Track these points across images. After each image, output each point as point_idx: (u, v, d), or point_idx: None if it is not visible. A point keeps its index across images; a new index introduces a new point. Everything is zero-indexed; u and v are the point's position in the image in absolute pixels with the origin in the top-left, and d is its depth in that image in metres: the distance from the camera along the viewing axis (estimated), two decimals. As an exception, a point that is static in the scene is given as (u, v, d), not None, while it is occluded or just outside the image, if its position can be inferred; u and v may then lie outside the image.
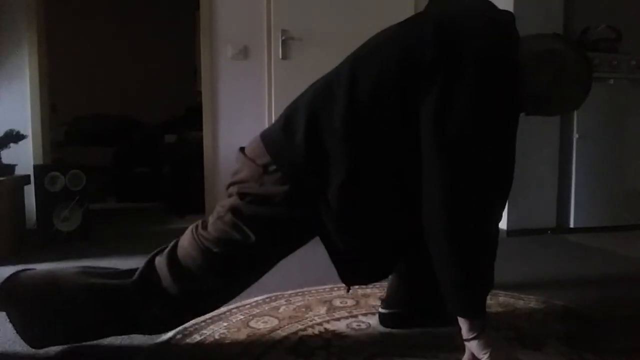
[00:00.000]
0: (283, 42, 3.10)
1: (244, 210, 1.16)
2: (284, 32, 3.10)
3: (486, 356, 1.08)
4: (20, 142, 2.64)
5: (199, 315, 1.31)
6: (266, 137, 1.22)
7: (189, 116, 4.39)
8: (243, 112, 3.16)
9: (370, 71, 1.14)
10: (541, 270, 2.08)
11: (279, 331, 1.39)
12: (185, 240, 1.21)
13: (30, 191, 2.67)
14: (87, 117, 4.90)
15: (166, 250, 1.22)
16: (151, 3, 5.40)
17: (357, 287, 1.71)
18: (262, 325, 1.43)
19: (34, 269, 1.33)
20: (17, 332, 1.22)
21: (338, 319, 1.48)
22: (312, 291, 1.72)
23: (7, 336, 1.35)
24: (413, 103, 1.08)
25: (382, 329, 1.42)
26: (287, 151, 1.15)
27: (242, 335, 1.36)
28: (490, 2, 1.22)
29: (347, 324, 1.45)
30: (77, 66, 5.13)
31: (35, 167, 2.69)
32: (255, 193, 1.16)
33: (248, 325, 1.42)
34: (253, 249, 1.16)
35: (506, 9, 1.29)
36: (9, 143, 2.58)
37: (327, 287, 1.76)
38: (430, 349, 1.27)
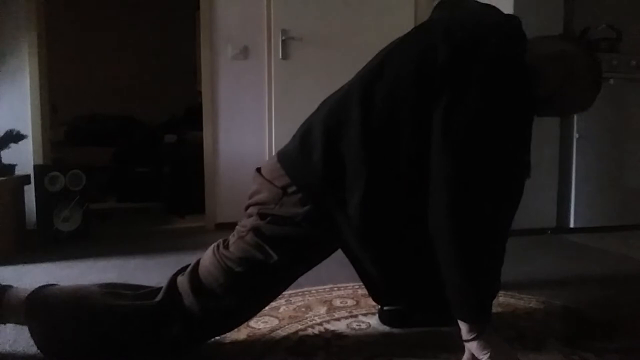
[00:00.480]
0: (283, 42, 3.10)
1: (265, 231, 1.18)
2: (284, 32, 3.10)
3: (486, 356, 1.08)
4: (20, 142, 2.64)
5: (220, 334, 1.30)
6: (283, 157, 1.23)
7: (189, 116, 4.39)
8: (243, 112, 3.16)
9: (382, 82, 1.15)
10: (541, 270, 2.08)
11: (279, 331, 1.39)
12: (207, 260, 1.22)
13: (30, 191, 2.68)
14: (87, 117, 4.90)
15: (188, 270, 1.23)
16: (151, 3, 5.40)
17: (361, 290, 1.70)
18: (262, 325, 1.43)
19: (57, 285, 1.31)
20: (37, 347, 1.19)
21: (338, 319, 1.48)
22: (312, 291, 1.72)
23: (7, 336, 1.35)
24: (427, 108, 1.09)
25: (382, 328, 1.42)
26: (306, 171, 1.16)
27: (242, 335, 1.36)
28: (496, 7, 1.23)
29: (347, 324, 1.45)
30: (77, 66, 5.13)
31: (35, 167, 2.69)
32: (276, 214, 1.18)
33: (248, 325, 1.42)
34: (275, 268, 1.18)
35: (506, 8, 1.29)
36: (9, 143, 2.58)
37: (327, 287, 1.76)
38: (430, 349, 1.27)
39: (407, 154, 1.12)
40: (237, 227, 1.26)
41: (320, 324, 1.45)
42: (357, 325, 1.45)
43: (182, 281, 1.21)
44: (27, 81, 2.90)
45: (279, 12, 3.10)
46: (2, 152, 2.56)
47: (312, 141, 1.18)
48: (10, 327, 1.39)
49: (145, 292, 1.23)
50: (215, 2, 3.10)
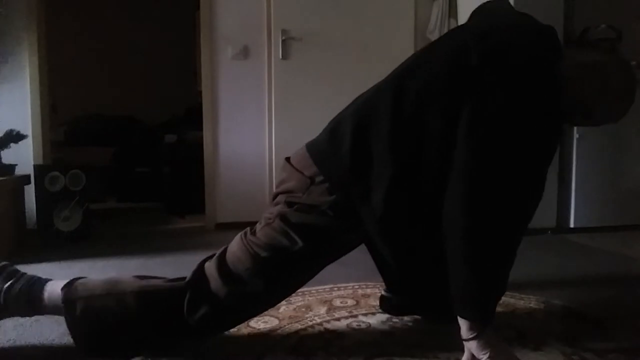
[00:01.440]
0: (283, 42, 3.10)
1: (291, 218, 1.21)
2: (284, 32, 3.10)
3: (486, 356, 1.08)
4: (21, 142, 2.64)
5: (243, 320, 1.33)
6: (312, 148, 1.27)
7: (189, 116, 4.39)
8: (243, 112, 3.16)
9: (415, 80, 1.17)
10: (541, 270, 2.08)
11: (279, 331, 1.39)
12: (234, 246, 1.26)
13: (30, 191, 2.68)
14: (87, 117, 4.90)
15: (215, 255, 1.27)
16: (151, 3, 5.40)
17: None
18: (262, 325, 1.43)
19: (87, 277, 1.34)
20: (72, 337, 1.23)
21: (338, 319, 1.48)
22: (312, 291, 1.72)
23: (8, 336, 1.35)
24: (455, 109, 1.10)
25: (382, 328, 1.42)
26: (334, 162, 1.20)
27: (242, 335, 1.36)
28: (531, 16, 1.23)
29: (347, 324, 1.45)
30: (77, 66, 5.13)
31: (36, 167, 2.69)
32: (303, 202, 1.21)
33: (248, 325, 1.42)
34: (299, 255, 1.20)
35: (506, 9, 1.29)
36: (9, 143, 2.59)
37: (327, 287, 1.76)
38: (430, 349, 1.27)
39: (434, 153, 1.13)
40: (264, 214, 1.29)
41: (320, 324, 1.45)
42: (357, 325, 1.45)
43: (210, 266, 1.25)
44: (27, 81, 2.90)
45: (279, 12, 3.10)
46: (2, 152, 2.56)
47: (341, 133, 1.21)
48: (10, 326, 1.40)
49: (174, 279, 1.28)
50: (215, 2, 3.10)
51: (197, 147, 3.26)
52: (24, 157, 2.78)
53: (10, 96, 2.89)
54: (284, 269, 1.22)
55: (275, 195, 1.30)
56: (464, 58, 1.11)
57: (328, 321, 1.47)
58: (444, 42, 1.24)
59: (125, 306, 1.21)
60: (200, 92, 3.26)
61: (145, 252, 2.43)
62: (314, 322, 1.46)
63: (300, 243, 1.19)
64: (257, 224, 1.28)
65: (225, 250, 1.27)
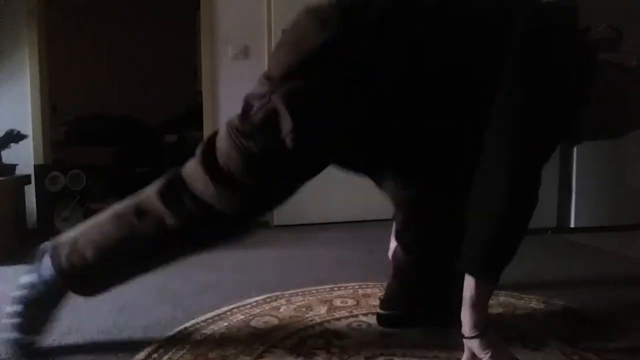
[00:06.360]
0: (283, 42, 3.10)
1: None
2: (284, 32, 3.09)
3: (487, 356, 1.08)
4: (21, 142, 2.64)
5: (240, 219, 1.24)
6: None
7: (189, 116, 4.39)
8: (243, 112, 3.16)
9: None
10: (541, 270, 2.08)
11: (279, 331, 1.39)
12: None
13: (30, 191, 2.68)
14: (87, 117, 4.90)
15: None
16: (151, 3, 5.40)
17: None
18: (262, 325, 1.43)
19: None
20: (67, 285, 1.23)
21: (338, 319, 1.49)
22: (312, 291, 1.73)
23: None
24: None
25: (382, 328, 1.42)
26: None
27: (242, 335, 1.36)
28: None
29: (347, 324, 1.45)
30: (77, 66, 5.13)
31: (36, 167, 2.70)
32: None
33: (248, 325, 1.42)
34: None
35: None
36: (10, 143, 2.58)
37: (327, 287, 1.76)
38: (430, 349, 1.27)
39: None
40: None
41: (321, 324, 1.45)
42: (357, 325, 1.45)
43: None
44: (27, 81, 2.90)
45: (279, 12, 3.10)
46: (2, 152, 2.56)
47: None
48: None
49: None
50: (216, 2, 3.10)
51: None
52: (24, 157, 2.77)
53: (10, 96, 2.89)
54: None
55: None
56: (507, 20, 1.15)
57: (328, 321, 1.47)
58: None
59: (103, 231, 1.23)
60: (201, 92, 3.26)
61: (145, 252, 2.43)
62: (314, 322, 1.46)
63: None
64: None
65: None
